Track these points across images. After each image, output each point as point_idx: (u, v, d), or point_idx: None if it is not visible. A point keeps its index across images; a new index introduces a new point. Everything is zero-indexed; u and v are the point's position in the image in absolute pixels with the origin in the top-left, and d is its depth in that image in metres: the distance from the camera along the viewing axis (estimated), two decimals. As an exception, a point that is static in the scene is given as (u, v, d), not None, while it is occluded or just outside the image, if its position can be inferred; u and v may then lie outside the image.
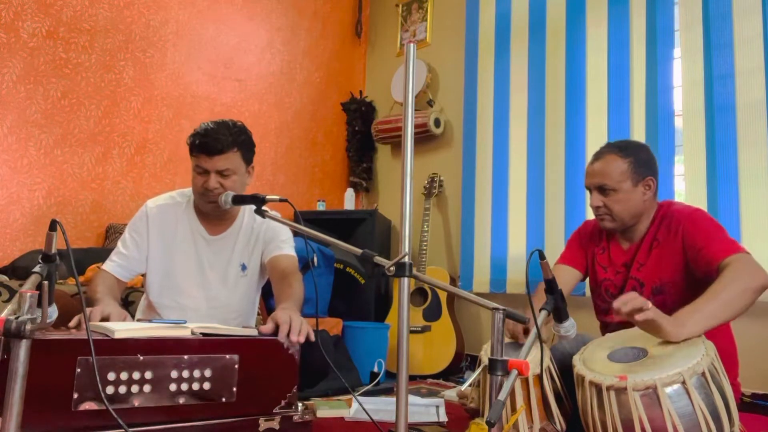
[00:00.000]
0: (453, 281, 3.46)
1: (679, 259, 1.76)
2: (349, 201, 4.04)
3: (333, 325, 3.04)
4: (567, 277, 2.00)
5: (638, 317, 1.42)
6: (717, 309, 1.50)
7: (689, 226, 1.75)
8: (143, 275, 1.98)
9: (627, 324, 1.79)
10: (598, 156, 1.89)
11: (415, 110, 3.62)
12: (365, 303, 3.48)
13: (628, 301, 1.43)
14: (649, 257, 1.84)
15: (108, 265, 1.91)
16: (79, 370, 1.23)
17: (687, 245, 1.74)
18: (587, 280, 2.08)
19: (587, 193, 1.92)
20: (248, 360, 1.45)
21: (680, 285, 1.76)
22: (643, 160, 1.84)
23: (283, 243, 1.99)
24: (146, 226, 1.93)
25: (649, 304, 1.43)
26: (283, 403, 1.49)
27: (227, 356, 1.42)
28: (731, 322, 1.80)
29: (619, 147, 1.87)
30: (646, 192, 1.83)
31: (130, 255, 1.92)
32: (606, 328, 1.95)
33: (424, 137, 3.76)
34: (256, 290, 2.08)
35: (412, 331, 3.25)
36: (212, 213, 1.92)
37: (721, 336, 1.67)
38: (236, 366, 1.43)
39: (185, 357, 1.36)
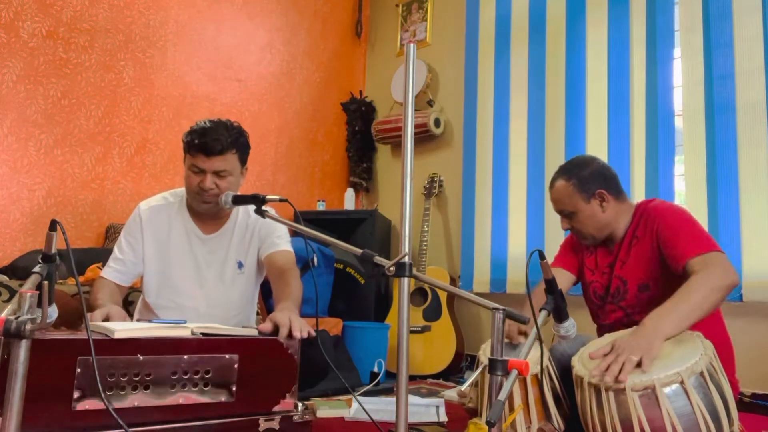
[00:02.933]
0: (453, 281, 3.46)
1: (657, 256, 1.77)
2: (349, 201, 4.04)
3: (333, 325, 3.04)
4: (561, 280, 1.98)
5: (623, 375, 1.39)
6: (688, 311, 1.51)
7: (662, 222, 1.76)
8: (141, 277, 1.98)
9: (620, 324, 1.80)
10: (551, 184, 1.95)
11: (415, 110, 3.62)
12: (365, 303, 3.48)
13: (614, 372, 1.40)
14: (629, 255, 1.85)
15: (106, 272, 1.91)
16: (79, 370, 1.23)
17: (660, 242, 1.75)
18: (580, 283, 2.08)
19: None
20: (247, 360, 1.45)
21: (664, 280, 1.76)
22: (586, 177, 1.86)
23: (279, 239, 1.98)
24: (140, 228, 1.92)
25: (621, 361, 1.40)
26: (281, 402, 1.49)
27: (227, 356, 1.42)
28: (724, 319, 1.81)
29: (564, 169, 1.92)
30: (603, 204, 1.85)
31: (126, 259, 1.91)
32: (601, 329, 1.96)
33: (424, 137, 3.76)
34: (255, 287, 2.08)
35: (412, 331, 3.25)
36: (206, 212, 1.92)
37: (715, 333, 1.67)
38: (236, 366, 1.43)
39: (185, 357, 1.37)
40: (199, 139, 1.79)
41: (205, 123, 1.84)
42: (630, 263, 1.84)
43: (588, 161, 1.92)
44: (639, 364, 1.40)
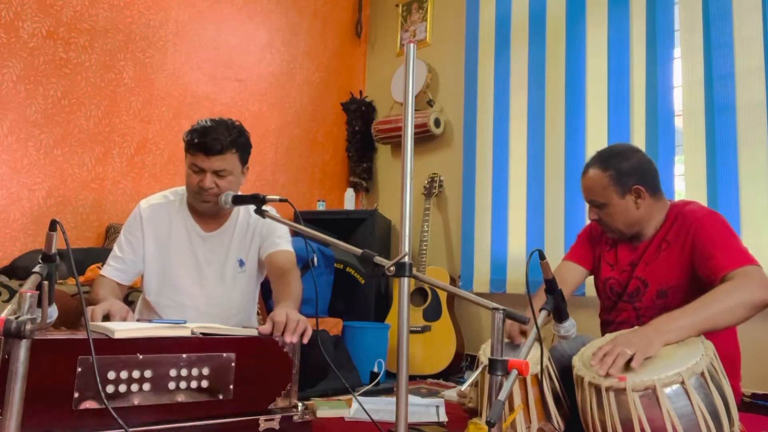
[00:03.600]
0: (453, 281, 3.46)
1: (687, 264, 1.71)
2: (349, 201, 4.04)
3: (333, 325, 3.05)
4: (573, 275, 1.96)
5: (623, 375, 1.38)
6: (701, 320, 1.47)
7: (700, 230, 1.68)
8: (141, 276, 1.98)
9: (627, 325, 1.79)
10: (584, 170, 1.84)
11: (415, 110, 3.62)
12: (365, 303, 3.48)
13: (607, 363, 1.39)
14: (656, 258, 1.79)
15: (106, 271, 1.90)
16: (79, 369, 1.23)
17: (696, 251, 1.68)
18: (588, 279, 2.06)
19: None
20: (244, 358, 1.46)
21: (685, 290, 1.71)
22: (626, 170, 1.76)
23: (280, 239, 1.98)
24: (140, 226, 1.92)
25: (628, 351, 1.39)
26: (277, 400, 1.49)
27: (224, 354, 1.43)
28: (737, 327, 1.75)
29: (602, 158, 1.81)
30: (638, 200, 1.77)
31: (126, 258, 1.91)
32: (607, 326, 1.93)
33: (424, 137, 3.76)
34: (255, 286, 2.08)
35: (412, 331, 3.24)
36: (207, 211, 1.92)
37: (725, 341, 1.66)
38: (233, 364, 1.44)
39: (183, 356, 1.37)
40: (199, 139, 1.79)
41: (205, 122, 1.83)
42: (655, 266, 1.78)
43: (630, 152, 1.81)
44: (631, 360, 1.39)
